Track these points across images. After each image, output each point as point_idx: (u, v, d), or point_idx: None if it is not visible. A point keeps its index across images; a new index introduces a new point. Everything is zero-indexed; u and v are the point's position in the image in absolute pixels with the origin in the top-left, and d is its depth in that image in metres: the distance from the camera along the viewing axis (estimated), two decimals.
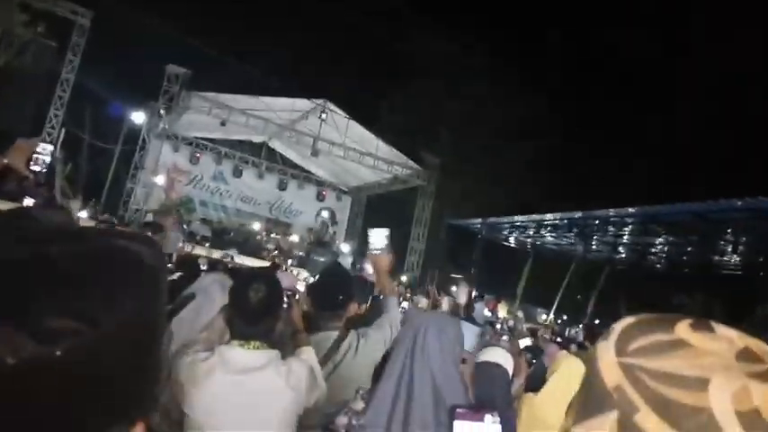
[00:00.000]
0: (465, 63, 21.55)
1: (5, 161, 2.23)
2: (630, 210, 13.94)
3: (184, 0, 20.53)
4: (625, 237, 16.42)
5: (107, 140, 17.61)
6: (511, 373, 2.29)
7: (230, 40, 18.60)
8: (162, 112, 15.83)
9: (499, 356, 2.23)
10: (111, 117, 17.66)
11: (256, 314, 1.81)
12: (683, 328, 0.51)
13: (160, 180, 16.78)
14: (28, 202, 5.89)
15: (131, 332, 0.52)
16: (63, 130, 14.92)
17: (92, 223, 9.54)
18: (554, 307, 16.89)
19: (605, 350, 0.53)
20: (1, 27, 10.45)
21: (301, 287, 3.84)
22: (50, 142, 14.84)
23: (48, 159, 2.21)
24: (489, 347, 2.27)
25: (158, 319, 0.58)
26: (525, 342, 4.85)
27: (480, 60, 21.14)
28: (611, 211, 14.51)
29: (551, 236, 18.29)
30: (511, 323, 11.04)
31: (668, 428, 0.45)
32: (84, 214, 11.89)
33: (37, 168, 2.16)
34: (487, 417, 1.28)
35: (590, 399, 0.51)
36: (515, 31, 23.50)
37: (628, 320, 0.55)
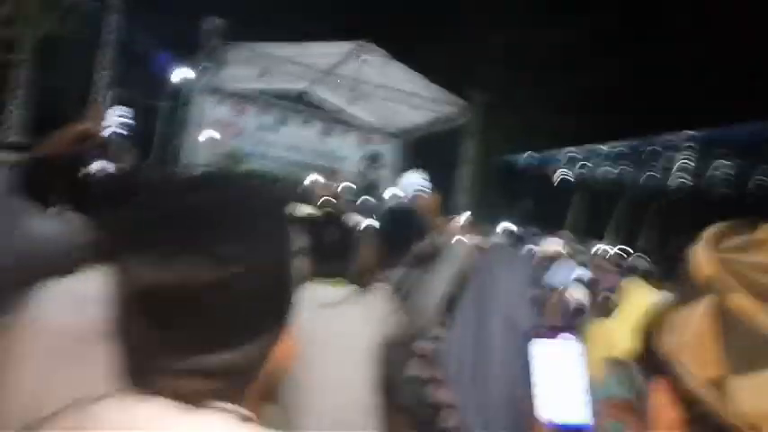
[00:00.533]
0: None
1: (83, 127, 2.37)
2: (690, 133, 13.40)
3: None
4: (684, 162, 15.84)
5: (152, 99, 18.02)
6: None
7: None
8: (202, 66, 16.02)
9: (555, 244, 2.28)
10: (154, 76, 17.99)
11: (334, 254, 1.95)
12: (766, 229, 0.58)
13: (205, 134, 17.18)
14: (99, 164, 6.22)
15: (274, 258, 0.68)
16: (110, 92, 15.36)
17: None
18: (610, 237, 16.68)
19: (700, 249, 0.60)
20: None
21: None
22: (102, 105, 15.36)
23: (123, 122, 2.34)
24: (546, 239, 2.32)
25: (289, 247, 0.73)
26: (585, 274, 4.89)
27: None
28: (670, 136, 14.00)
29: (605, 166, 17.84)
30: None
31: (759, 304, 0.53)
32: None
33: (118, 130, 2.31)
34: (563, 335, 1.36)
35: (684, 290, 0.60)
36: None
37: (716, 226, 0.63)
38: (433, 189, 2.78)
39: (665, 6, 20.57)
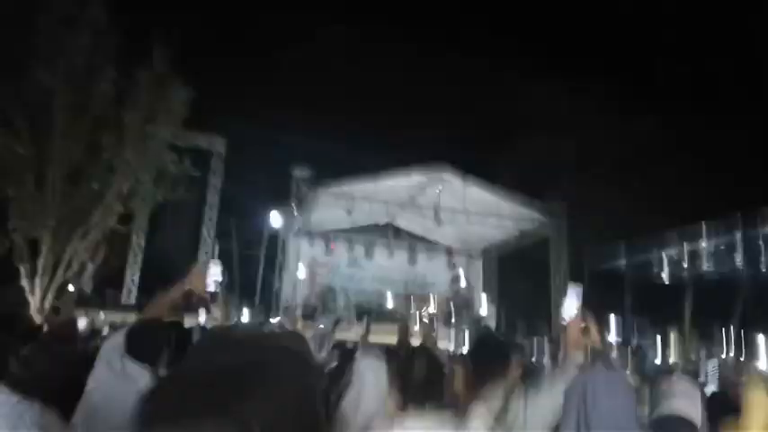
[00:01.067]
0: (570, 102, 21.09)
1: (187, 287, 2.59)
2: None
3: (297, 108, 22.59)
4: None
5: (252, 248, 19.25)
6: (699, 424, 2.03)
7: (341, 132, 19.99)
8: (295, 212, 17.17)
9: (688, 408, 1.96)
10: (253, 227, 19.39)
11: (424, 388, 1.90)
12: None
13: (302, 275, 17.95)
14: (202, 314, 6.63)
15: (296, 418, 0.63)
16: (216, 247, 16.69)
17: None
18: (731, 342, 15.00)
19: None
20: (156, 168, 12.09)
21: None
22: (207, 259, 16.62)
23: (220, 278, 2.53)
24: (671, 394, 2.03)
25: (316, 402, 0.68)
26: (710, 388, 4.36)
27: (585, 94, 20.60)
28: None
29: (709, 264, 16.54)
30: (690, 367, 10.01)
31: None
32: (245, 316, 12.95)
33: (213, 289, 2.49)
34: None
35: None
36: (614, 61, 22.76)
37: None
38: (581, 311, 2.68)
39: (728, 81, 20.13)
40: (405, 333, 5.01)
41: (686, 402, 1.92)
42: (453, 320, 16.12)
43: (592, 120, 20.44)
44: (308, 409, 0.66)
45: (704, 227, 14.92)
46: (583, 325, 2.57)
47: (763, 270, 15.62)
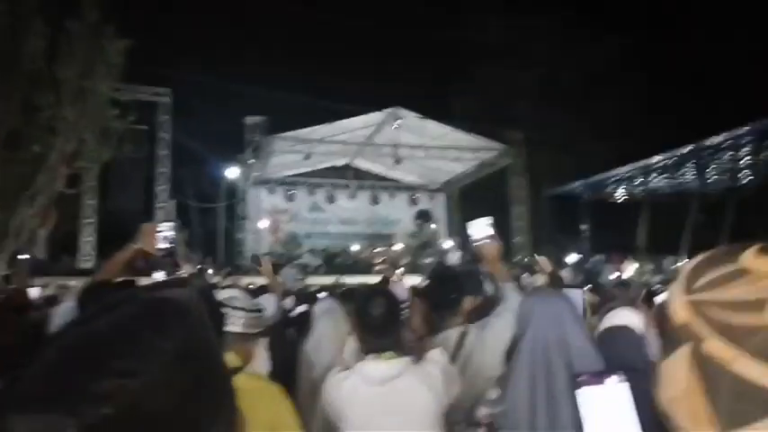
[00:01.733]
0: (526, 32, 20.92)
1: (137, 246, 2.55)
2: (745, 128, 12.78)
3: (245, 54, 21.78)
4: (745, 159, 15.04)
5: (211, 200, 18.97)
6: (642, 330, 2.21)
7: (293, 78, 19.45)
8: (250, 161, 16.87)
9: (626, 318, 2.18)
10: (209, 178, 19.04)
11: (382, 327, 1.94)
12: (747, 257, 0.55)
13: (264, 224, 17.87)
14: (157, 275, 6.57)
15: (176, 372, 0.55)
16: (172, 202, 16.34)
17: (216, 278, 10.28)
18: (684, 253, 15.78)
19: (675, 291, 0.57)
20: (98, 125, 11.57)
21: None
22: (163, 215, 16.31)
23: (172, 235, 2.49)
24: (614, 310, 2.22)
25: (202, 353, 0.60)
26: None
27: (537, 24, 20.45)
28: (722, 136, 13.38)
29: (663, 179, 17.14)
30: (644, 278, 10.50)
31: (733, 349, 0.50)
32: (209, 272, 12.90)
33: (165, 245, 2.45)
34: (609, 379, 1.28)
35: (668, 338, 0.56)
36: None
37: (698, 258, 0.59)
38: (494, 236, 2.69)
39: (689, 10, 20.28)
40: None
41: (627, 313, 2.06)
42: (418, 257, 16.45)
43: (545, 49, 20.39)
44: (193, 352, 0.58)
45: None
46: (495, 244, 2.59)
47: (712, 179, 16.31)
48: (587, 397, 1.14)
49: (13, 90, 9.96)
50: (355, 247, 18.35)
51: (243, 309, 2.04)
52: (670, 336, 0.57)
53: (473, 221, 2.63)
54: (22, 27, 9.98)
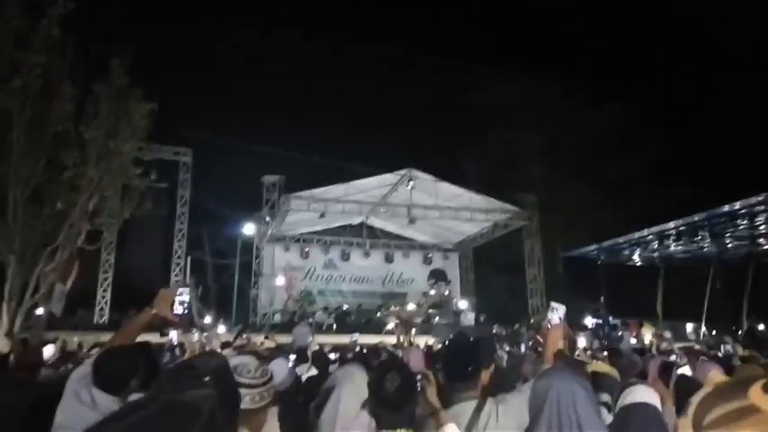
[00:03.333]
0: (538, 97, 21.40)
1: (153, 311, 2.57)
2: (759, 198, 12.71)
3: (264, 116, 22.46)
4: (761, 227, 14.89)
5: (226, 257, 19.08)
6: (660, 406, 2.18)
7: (310, 139, 19.93)
8: (267, 219, 17.07)
9: (644, 395, 2.14)
10: (226, 235, 19.23)
11: (396, 403, 1.91)
12: (755, 393, 0.54)
13: (279, 281, 17.91)
14: (172, 334, 6.56)
15: None
16: (188, 258, 16.47)
17: (229, 336, 10.18)
18: (703, 318, 15.40)
19: (685, 425, 0.57)
20: (121, 183, 11.86)
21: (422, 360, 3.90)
22: (179, 270, 16.40)
23: (187, 300, 2.51)
24: (631, 387, 2.19)
25: None
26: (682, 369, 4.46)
27: (553, 89, 20.91)
28: (738, 204, 13.30)
29: (679, 245, 16.95)
30: (663, 345, 10.23)
31: None
32: (221, 328, 12.84)
33: (181, 311, 2.47)
34: None
35: None
36: (582, 55, 23.17)
37: (705, 390, 0.59)
38: (563, 325, 2.82)
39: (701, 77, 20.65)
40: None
41: (645, 390, 2.05)
42: (431, 316, 16.24)
43: (559, 113, 20.79)
44: None
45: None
46: (563, 333, 2.71)
47: (729, 245, 16.09)
48: None
49: (40, 149, 10.30)
50: (368, 306, 18.24)
51: (251, 386, 2.03)
52: None
53: (555, 303, 2.78)
54: (52, 90, 10.42)
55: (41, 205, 10.44)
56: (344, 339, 12.08)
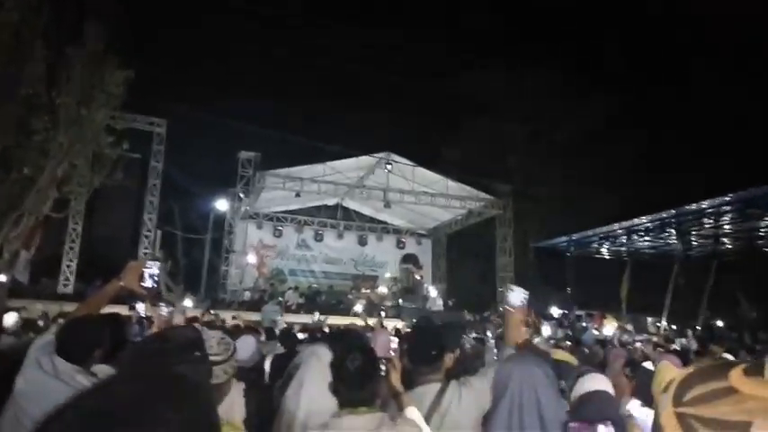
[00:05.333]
0: (516, 87, 21.52)
1: (121, 283, 2.54)
2: (726, 198, 13.07)
3: (242, 92, 22.12)
4: (726, 226, 15.34)
5: (198, 232, 18.86)
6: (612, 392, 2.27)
7: (288, 117, 19.72)
8: (241, 195, 16.92)
9: (597, 382, 2.23)
10: (198, 210, 18.99)
11: (357, 382, 1.94)
12: (735, 376, 0.57)
13: (251, 259, 17.79)
14: (140, 306, 6.50)
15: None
16: (158, 232, 16.23)
17: (197, 312, 10.15)
18: (665, 313, 15.86)
19: (664, 400, 0.60)
20: (92, 151, 11.57)
21: (395, 343, 3.95)
22: (148, 243, 16.18)
23: (157, 274, 2.50)
24: (584, 376, 2.27)
25: (207, 426, 0.67)
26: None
27: (532, 79, 21.04)
28: (705, 203, 13.67)
29: (646, 240, 17.38)
30: (624, 338, 10.52)
31: None
32: (189, 303, 12.72)
33: (148, 284, 2.45)
34: (601, 427, 1.31)
35: None
36: (562, 46, 23.33)
37: (687, 370, 0.62)
38: (524, 308, 2.85)
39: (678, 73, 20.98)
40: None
41: (600, 378, 2.13)
42: (401, 300, 16.37)
43: (537, 105, 20.94)
44: (196, 424, 0.64)
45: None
46: (526, 319, 2.76)
47: (694, 243, 16.56)
48: None
49: (8, 112, 9.98)
50: (340, 287, 18.31)
51: (214, 363, 2.03)
52: None
53: (515, 288, 2.81)
54: (23, 50, 10.07)
55: (8, 170, 10.15)
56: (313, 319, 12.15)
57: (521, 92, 21.65)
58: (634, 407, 2.72)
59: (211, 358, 1.98)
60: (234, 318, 9.11)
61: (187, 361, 1.32)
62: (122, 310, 6.38)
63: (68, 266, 15.36)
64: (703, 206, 13.78)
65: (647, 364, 3.26)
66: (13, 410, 2.17)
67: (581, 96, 20.50)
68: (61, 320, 2.55)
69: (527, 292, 2.79)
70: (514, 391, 1.80)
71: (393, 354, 2.54)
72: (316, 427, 1.96)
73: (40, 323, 7.07)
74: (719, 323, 15.58)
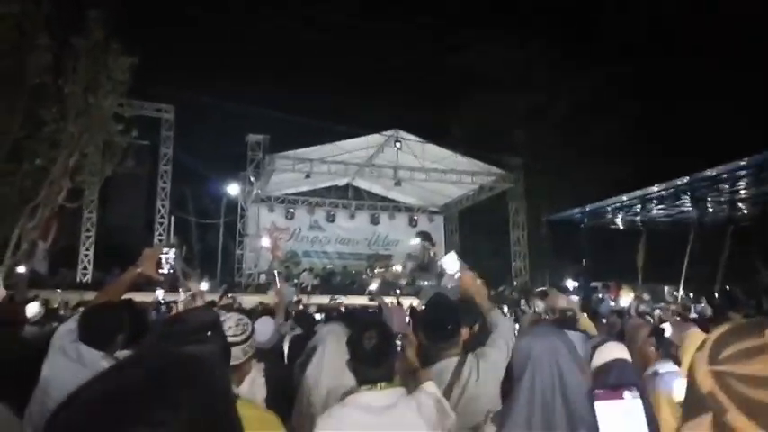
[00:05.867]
0: (525, 57, 21.20)
1: (139, 270, 2.58)
2: (741, 162, 12.87)
3: (248, 75, 22.03)
4: (741, 192, 15.12)
5: (211, 216, 18.99)
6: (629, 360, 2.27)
7: (295, 98, 19.62)
8: (252, 178, 16.97)
9: (615, 351, 2.23)
10: (210, 195, 19.09)
11: (374, 359, 1.97)
12: None
13: (264, 242, 17.92)
14: (159, 292, 6.59)
15: (200, 423, 0.60)
16: (172, 218, 16.38)
17: (214, 295, 10.25)
18: (681, 282, 15.77)
19: (700, 359, 0.60)
20: (102, 140, 11.66)
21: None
22: (163, 230, 16.33)
23: (173, 259, 2.53)
24: (601, 346, 2.26)
25: (222, 405, 0.66)
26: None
27: (538, 51, 20.71)
28: (720, 168, 13.47)
29: (660, 208, 17.20)
30: (641, 307, 10.50)
31: (755, 426, 0.52)
32: (204, 286, 12.85)
33: (165, 270, 2.48)
34: (626, 393, 1.30)
35: (690, 402, 0.59)
36: (568, 9, 22.84)
37: (722, 329, 0.61)
38: (464, 266, 2.80)
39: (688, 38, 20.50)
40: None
41: (617, 347, 2.13)
42: (416, 279, 16.45)
43: (545, 76, 20.63)
44: (214, 405, 0.64)
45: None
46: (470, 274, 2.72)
47: (710, 210, 16.37)
48: (605, 411, 1.18)
49: (17, 103, 10.05)
50: (354, 268, 18.43)
51: (233, 344, 2.05)
52: (692, 400, 0.59)
53: (444, 258, 2.75)
54: (28, 42, 10.10)
55: (20, 162, 10.26)
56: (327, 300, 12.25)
57: (527, 61, 21.34)
58: (661, 365, 2.71)
59: (230, 339, 2.00)
60: (261, 303, 9.16)
61: (203, 341, 1.34)
62: (143, 296, 6.47)
63: (86, 256, 15.59)
64: (718, 172, 13.58)
65: (666, 328, 3.25)
66: (41, 397, 2.22)
67: (590, 63, 20.17)
68: (82, 309, 2.58)
69: (454, 252, 2.74)
70: (536, 365, 1.80)
71: (408, 332, 2.56)
72: (336, 403, 2.00)
73: (62, 312, 7.20)
74: (737, 290, 15.46)
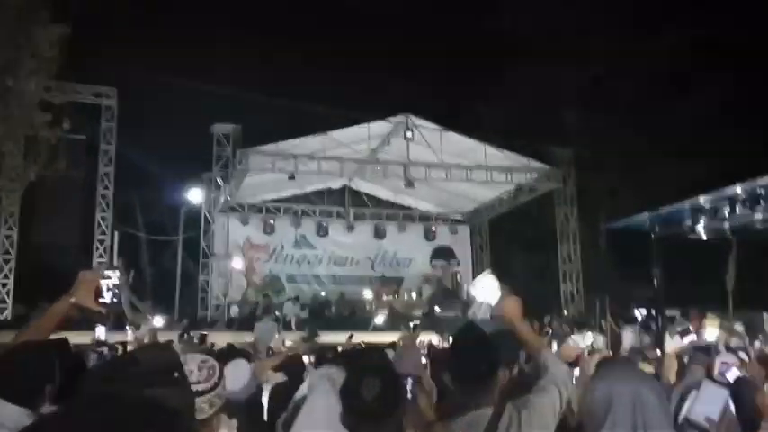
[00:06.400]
0: (572, 18, 21.17)
1: (72, 300, 2.55)
2: None
3: (212, 49, 22.17)
4: None
5: (166, 232, 19.05)
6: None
7: (274, 77, 19.72)
8: (219, 181, 17.02)
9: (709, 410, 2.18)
10: (165, 204, 19.16)
11: (374, 415, 1.94)
12: None
13: (236, 264, 17.93)
14: (99, 330, 6.61)
15: None
16: (116, 234, 16.43)
17: (172, 334, 10.27)
18: None
19: None
20: (23, 134, 11.71)
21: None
22: (104, 250, 16.40)
23: (116, 284, 2.53)
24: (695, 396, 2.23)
25: None
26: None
27: (595, 12, 20.68)
28: None
29: (757, 212, 17.07)
30: (733, 342, 10.41)
31: None
32: (159, 323, 12.90)
33: (107, 300, 2.48)
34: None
35: None
36: None
37: None
38: (506, 291, 2.78)
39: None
40: None
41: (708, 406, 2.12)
42: (437, 307, 16.43)
43: (600, 44, 20.55)
44: None
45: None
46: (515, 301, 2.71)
47: None
48: None
49: None
50: (353, 295, 18.39)
51: (197, 393, 2.04)
52: None
53: (476, 281, 2.73)
54: None
55: None
56: (324, 338, 12.22)
57: (574, 27, 21.31)
58: None
59: (192, 387, 1.98)
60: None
61: (163, 385, 1.33)
62: (78, 336, 6.47)
63: (3, 285, 15.65)
64: None
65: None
66: None
67: (656, 29, 20.14)
68: None
69: (489, 271, 2.73)
70: (616, 419, 1.78)
71: (421, 374, 2.54)
72: None
73: None
74: None
